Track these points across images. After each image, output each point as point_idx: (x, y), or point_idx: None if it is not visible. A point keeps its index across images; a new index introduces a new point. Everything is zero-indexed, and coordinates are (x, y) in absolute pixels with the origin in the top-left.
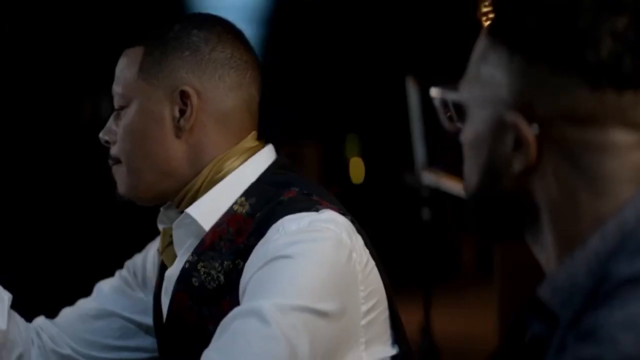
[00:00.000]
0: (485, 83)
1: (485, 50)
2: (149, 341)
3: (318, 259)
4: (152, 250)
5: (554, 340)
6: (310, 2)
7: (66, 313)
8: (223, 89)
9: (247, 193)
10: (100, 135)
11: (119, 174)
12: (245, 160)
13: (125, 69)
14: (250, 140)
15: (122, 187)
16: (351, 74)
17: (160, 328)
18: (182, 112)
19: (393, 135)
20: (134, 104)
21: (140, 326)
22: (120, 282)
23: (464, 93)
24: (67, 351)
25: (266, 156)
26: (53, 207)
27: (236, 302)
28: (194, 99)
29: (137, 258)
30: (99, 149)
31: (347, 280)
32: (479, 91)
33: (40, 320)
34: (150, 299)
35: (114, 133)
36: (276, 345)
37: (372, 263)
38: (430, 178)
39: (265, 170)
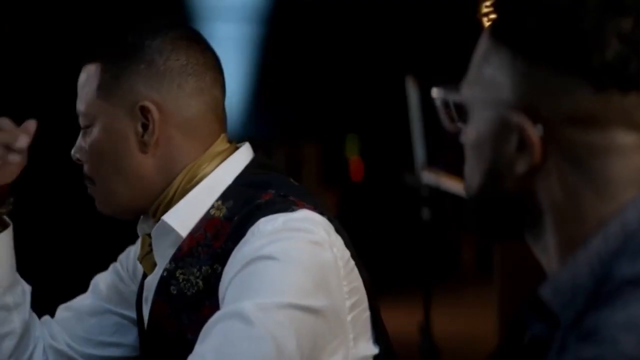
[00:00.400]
0: (488, 84)
1: (487, 52)
2: None
3: (297, 256)
4: None
5: (554, 340)
6: (310, 1)
7: (63, 310)
8: (183, 97)
9: (224, 196)
10: (72, 152)
11: (95, 194)
12: (219, 163)
13: (86, 86)
14: (220, 144)
15: (100, 205)
16: (351, 74)
17: (142, 335)
18: (145, 127)
19: (393, 135)
20: (97, 123)
21: (135, 322)
22: (113, 276)
23: (466, 94)
24: (63, 347)
25: (242, 157)
26: (50, 205)
27: (216, 308)
28: (155, 113)
29: (130, 250)
30: None
31: (329, 275)
32: (482, 92)
33: (43, 317)
34: None
35: (85, 151)
36: (262, 345)
37: (352, 262)
38: (430, 178)
39: (242, 172)
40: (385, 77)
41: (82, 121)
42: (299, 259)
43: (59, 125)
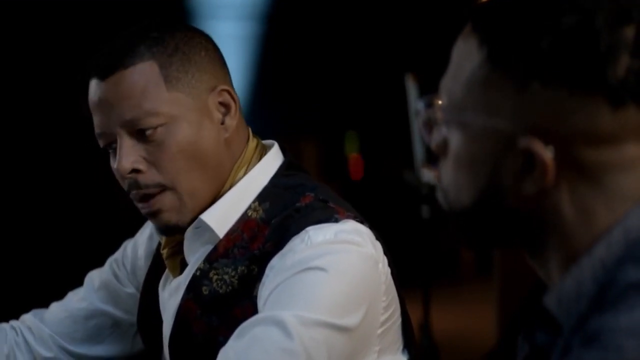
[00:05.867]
0: (485, 107)
1: (481, 74)
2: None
3: (346, 271)
4: (144, 236)
5: (558, 345)
6: None
7: (58, 311)
8: (229, 80)
9: (261, 197)
10: (126, 166)
11: (167, 201)
12: (256, 162)
13: (147, 85)
14: (253, 137)
15: (173, 215)
16: (350, 71)
17: (153, 335)
18: (224, 113)
19: (392, 133)
20: (177, 119)
21: (133, 325)
22: (110, 276)
23: (452, 113)
24: (51, 354)
25: (274, 157)
26: (48, 202)
27: (249, 310)
28: (233, 94)
29: (127, 246)
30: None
31: (371, 292)
32: (476, 114)
33: (29, 320)
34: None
35: (146, 159)
36: (294, 359)
37: (389, 271)
38: (429, 175)
39: (275, 173)
40: (384, 75)
41: (148, 122)
42: (347, 274)
43: (54, 124)
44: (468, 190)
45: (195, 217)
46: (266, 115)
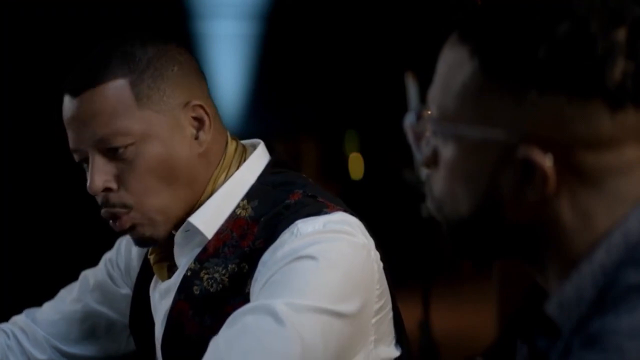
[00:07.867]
0: (484, 119)
1: (475, 85)
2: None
3: (337, 259)
4: None
5: (557, 346)
6: None
7: (51, 313)
8: (205, 92)
9: (249, 195)
10: (98, 185)
11: (136, 218)
12: (237, 165)
13: (115, 106)
14: (232, 141)
15: (147, 229)
16: (350, 70)
17: (145, 336)
18: (197, 127)
19: (392, 131)
20: (147, 138)
21: (124, 324)
22: (105, 276)
23: (444, 126)
24: (44, 356)
25: (260, 156)
26: (43, 201)
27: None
28: (207, 109)
29: (121, 244)
30: None
31: (365, 279)
32: (475, 127)
33: (22, 321)
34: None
35: (117, 177)
36: (289, 345)
37: (381, 264)
38: None
39: (263, 171)
40: (384, 73)
41: (118, 141)
42: (338, 261)
43: (50, 123)
44: (465, 201)
45: (169, 230)
46: (266, 115)
